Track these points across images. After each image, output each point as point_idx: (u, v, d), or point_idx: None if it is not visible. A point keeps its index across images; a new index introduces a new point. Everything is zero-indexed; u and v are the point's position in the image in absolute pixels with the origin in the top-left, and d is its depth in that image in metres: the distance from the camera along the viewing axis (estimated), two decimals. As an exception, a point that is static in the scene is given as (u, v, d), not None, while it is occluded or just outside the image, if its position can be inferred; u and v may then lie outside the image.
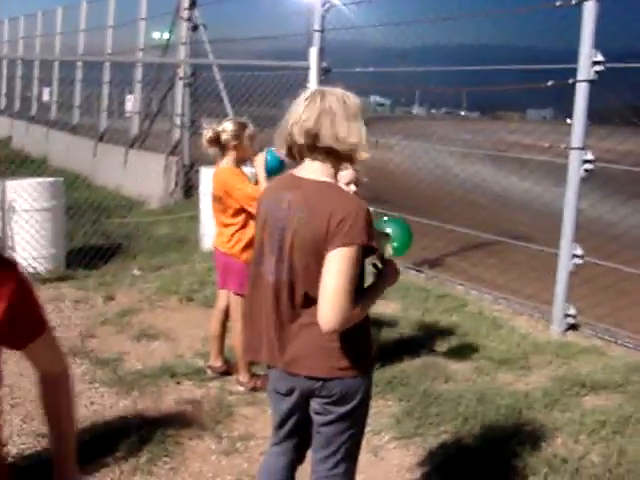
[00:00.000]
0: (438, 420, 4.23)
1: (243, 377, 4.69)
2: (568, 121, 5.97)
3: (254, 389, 4.61)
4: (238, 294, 4.44)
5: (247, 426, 4.17)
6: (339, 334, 2.31)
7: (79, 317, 5.99)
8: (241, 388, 4.67)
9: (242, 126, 4.57)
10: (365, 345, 2.50)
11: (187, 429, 4.09)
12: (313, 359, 2.38)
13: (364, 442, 3.95)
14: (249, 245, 4.28)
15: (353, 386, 2.44)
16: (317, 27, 8.29)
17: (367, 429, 4.10)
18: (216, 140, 4.56)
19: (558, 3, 5.74)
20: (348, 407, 2.46)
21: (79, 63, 16.09)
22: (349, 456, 2.58)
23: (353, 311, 2.22)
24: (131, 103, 13.70)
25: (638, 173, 5.98)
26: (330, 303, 2.18)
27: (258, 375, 4.64)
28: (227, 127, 4.56)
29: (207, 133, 4.59)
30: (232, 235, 4.53)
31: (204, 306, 6.27)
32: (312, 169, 2.36)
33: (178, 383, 4.74)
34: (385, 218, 4.71)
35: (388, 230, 4.62)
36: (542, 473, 3.65)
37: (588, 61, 5.47)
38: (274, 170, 4.24)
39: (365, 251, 2.28)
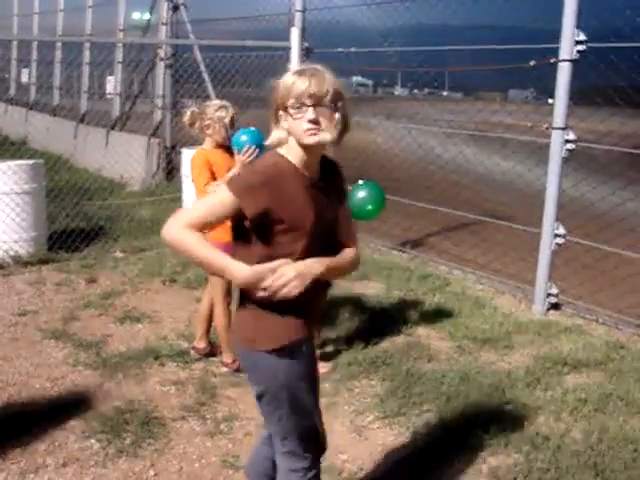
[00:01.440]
0: (421, 399, 4.26)
1: (227, 358, 4.70)
2: (550, 101, 5.98)
3: (238, 370, 4.61)
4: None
5: (231, 407, 4.17)
6: (243, 304, 2.38)
7: (61, 300, 5.96)
8: (225, 369, 4.68)
9: (219, 109, 4.56)
10: (269, 320, 2.34)
11: (171, 411, 4.10)
12: (232, 330, 2.51)
13: (348, 422, 4.00)
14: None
15: (252, 359, 2.39)
16: (298, 7, 8.24)
17: (351, 409, 4.16)
18: (193, 123, 4.59)
19: (540, -18, 5.72)
20: (259, 387, 2.41)
21: (58, 44, 15.88)
22: (288, 436, 2.45)
23: (186, 234, 2.18)
24: (112, 84, 13.55)
25: (619, 153, 6.02)
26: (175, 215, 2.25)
27: None
28: (203, 110, 4.57)
29: (185, 116, 4.62)
30: None
31: (187, 288, 6.26)
32: None
33: (162, 365, 4.73)
34: (360, 182, 4.72)
35: (362, 194, 4.61)
36: (524, 451, 3.69)
37: (570, 41, 5.47)
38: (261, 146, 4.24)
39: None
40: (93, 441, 3.73)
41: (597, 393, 4.36)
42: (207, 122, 4.55)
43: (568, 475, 3.48)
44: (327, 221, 2.38)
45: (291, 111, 2.23)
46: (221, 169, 4.42)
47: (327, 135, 2.25)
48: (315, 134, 2.23)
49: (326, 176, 2.41)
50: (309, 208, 2.31)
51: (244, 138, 4.24)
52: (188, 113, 4.63)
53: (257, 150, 4.21)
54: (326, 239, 2.41)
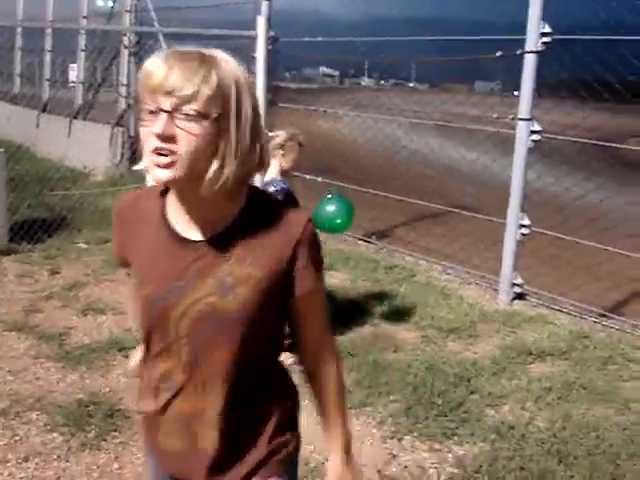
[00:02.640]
0: (388, 389, 4.26)
1: None
2: (515, 93, 6.03)
3: None
4: None
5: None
6: None
7: (23, 292, 5.85)
8: None
9: None
10: None
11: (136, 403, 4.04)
12: None
13: (314, 413, 3.98)
14: None
15: None
16: (265, -5, 8.16)
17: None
18: None
19: (507, -26, 5.75)
20: None
21: (19, 29, 15.55)
22: None
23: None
24: (74, 72, 13.33)
25: (582, 145, 6.08)
26: None
27: None
28: None
29: None
30: None
31: (152, 279, 6.19)
32: None
33: (126, 357, 4.66)
34: (329, 196, 4.73)
35: (332, 207, 4.65)
36: (490, 439, 3.72)
37: (536, 32, 5.50)
38: None
39: None
40: (55, 435, 3.66)
41: (561, 382, 4.42)
42: None
43: (532, 462, 3.51)
44: (210, 302, 1.50)
45: (143, 115, 1.40)
46: None
47: (183, 169, 1.38)
48: (163, 164, 1.37)
49: (251, 229, 1.52)
50: (158, 268, 1.55)
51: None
52: None
53: None
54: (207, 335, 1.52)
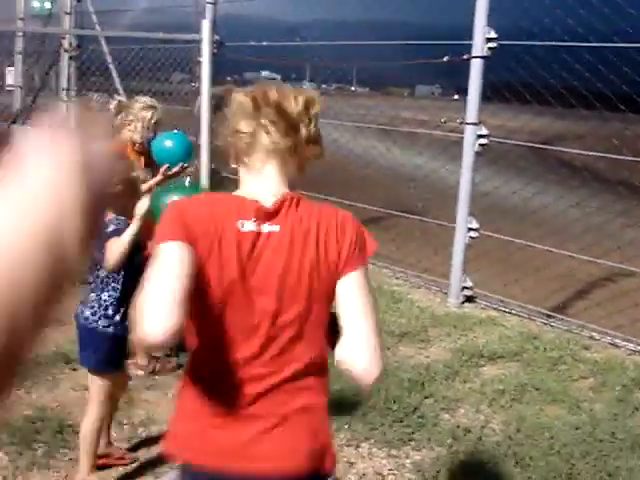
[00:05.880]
0: (342, 396, 4.23)
1: (141, 360, 4.54)
2: (456, 97, 6.10)
3: (153, 372, 4.49)
4: None
5: (148, 411, 4.03)
6: None
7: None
8: (140, 372, 4.52)
9: (145, 108, 4.38)
10: None
11: (85, 417, 3.92)
12: None
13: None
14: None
15: None
16: (209, -1, 8.08)
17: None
18: (118, 114, 4.43)
19: (452, -20, 5.80)
20: None
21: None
22: None
23: None
24: (12, 76, 12.97)
25: (528, 148, 6.16)
26: None
27: (157, 357, 4.51)
28: (130, 104, 4.43)
29: (112, 104, 4.47)
30: None
31: (98, 288, 6.04)
32: None
33: (74, 370, 4.51)
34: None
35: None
36: (446, 443, 3.72)
37: (482, 38, 5.56)
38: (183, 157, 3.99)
39: None
40: (1, 454, 3.52)
41: (513, 384, 4.46)
42: (130, 117, 4.34)
43: (489, 465, 3.54)
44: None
45: None
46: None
47: None
48: None
49: None
50: None
51: (168, 144, 4.00)
52: (115, 102, 4.44)
53: (183, 165, 3.98)
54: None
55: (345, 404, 4.13)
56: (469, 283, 6.00)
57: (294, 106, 1.79)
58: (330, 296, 1.77)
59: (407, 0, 7.22)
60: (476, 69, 5.64)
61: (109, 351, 3.21)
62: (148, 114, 4.33)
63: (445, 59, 5.90)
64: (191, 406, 1.81)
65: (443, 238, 6.36)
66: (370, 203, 7.55)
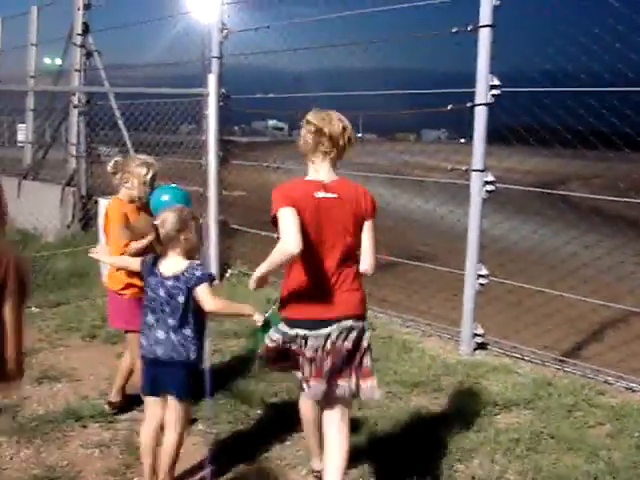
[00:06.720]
0: (356, 450, 4.16)
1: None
2: (462, 140, 6.11)
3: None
4: (129, 331, 4.37)
5: (158, 469, 3.97)
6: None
7: (-28, 361, 5.61)
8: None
9: (140, 164, 4.46)
10: None
11: (96, 476, 3.87)
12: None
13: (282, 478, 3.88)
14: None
15: None
16: (215, 54, 8.22)
17: (283, 462, 4.04)
18: (116, 172, 4.51)
19: (454, 29, 5.87)
20: None
21: (-35, 91, 15.35)
22: None
23: None
24: (23, 132, 13.16)
25: (536, 192, 6.15)
26: None
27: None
28: (126, 162, 4.52)
29: (109, 164, 4.56)
30: (117, 270, 4.36)
31: (108, 343, 6.02)
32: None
33: (84, 427, 4.49)
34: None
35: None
36: (462, 497, 3.64)
37: (485, 85, 5.60)
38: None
39: None
40: (10, 515, 3.48)
41: (528, 432, 4.38)
42: (127, 175, 4.44)
43: (507, 520, 3.45)
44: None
45: None
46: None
47: None
48: None
49: None
50: None
51: (165, 198, 4.09)
52: (112, 161, 4.54)
53: None
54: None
55: (361, 454, 4.07)
56: (480, 330, 5.94)
57: (336, 129, 3.27)
58: (361, 230, 3.33)
59: (410, 48, 7.29)
60: (480, 116, 5.67)
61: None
62: (143, 170, 4.42)
63: (449, 107, 5.94)
64: (297, 289, 3.27)
65: (453, 285, 6.32)
66: (379, 251, 7.51)
